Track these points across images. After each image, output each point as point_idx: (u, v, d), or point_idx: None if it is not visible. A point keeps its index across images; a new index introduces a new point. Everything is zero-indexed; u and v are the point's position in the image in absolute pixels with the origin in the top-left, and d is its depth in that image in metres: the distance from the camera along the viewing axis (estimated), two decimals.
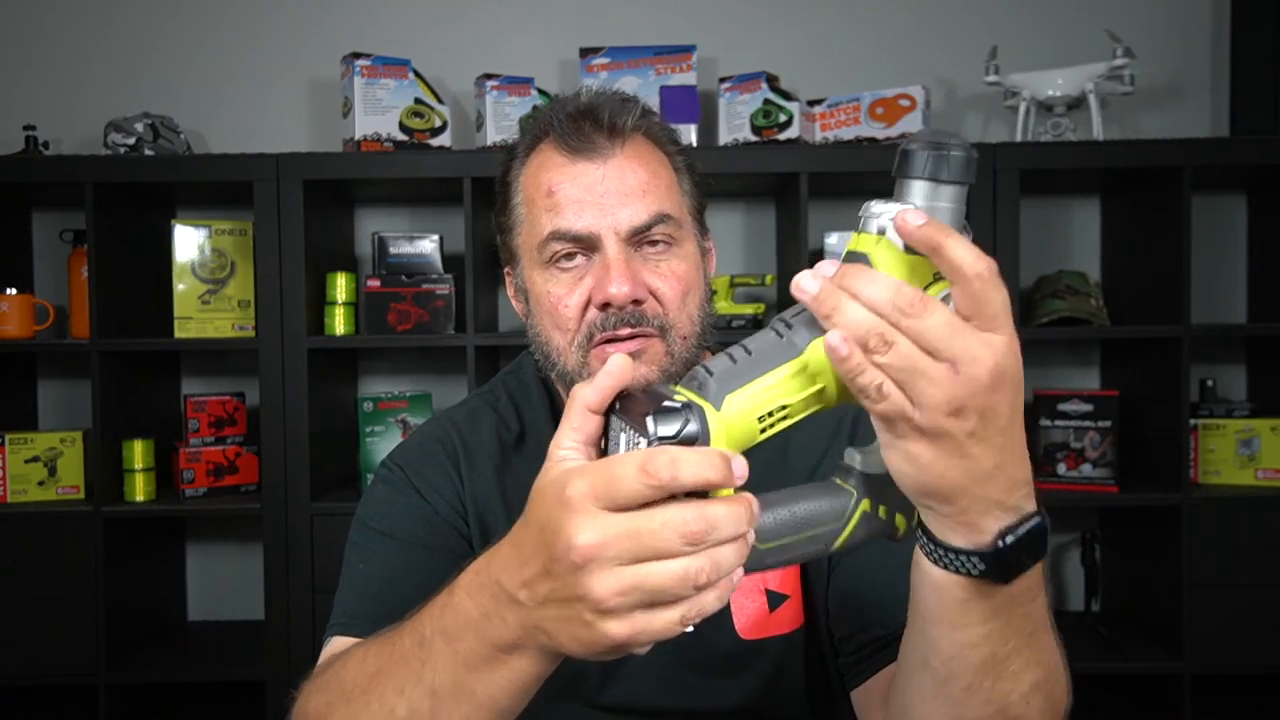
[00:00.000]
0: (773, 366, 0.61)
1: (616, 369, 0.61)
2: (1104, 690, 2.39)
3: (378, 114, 2.28)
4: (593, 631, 0.57)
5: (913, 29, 2.57)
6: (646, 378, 0.93)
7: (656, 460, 0.54)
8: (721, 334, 2.26)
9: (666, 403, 0.58)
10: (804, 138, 2.32)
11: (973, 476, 0.59)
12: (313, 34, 2.56)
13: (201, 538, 2.61)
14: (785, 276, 2.43)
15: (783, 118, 2.31)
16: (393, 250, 2.37)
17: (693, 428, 0.57)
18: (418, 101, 2.31)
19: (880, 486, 0.64)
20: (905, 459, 0.59)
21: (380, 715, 0.70)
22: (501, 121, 2.32)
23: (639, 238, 0.94)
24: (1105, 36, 2.35)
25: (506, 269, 1.04)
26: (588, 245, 0.94)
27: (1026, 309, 2.39)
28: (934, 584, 0.65)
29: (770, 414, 0.60)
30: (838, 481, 0.65)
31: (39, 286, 2.52)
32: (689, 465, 0.54)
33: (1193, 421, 2.32)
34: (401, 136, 2.29)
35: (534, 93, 2.34)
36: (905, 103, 2.31)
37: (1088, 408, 2.30)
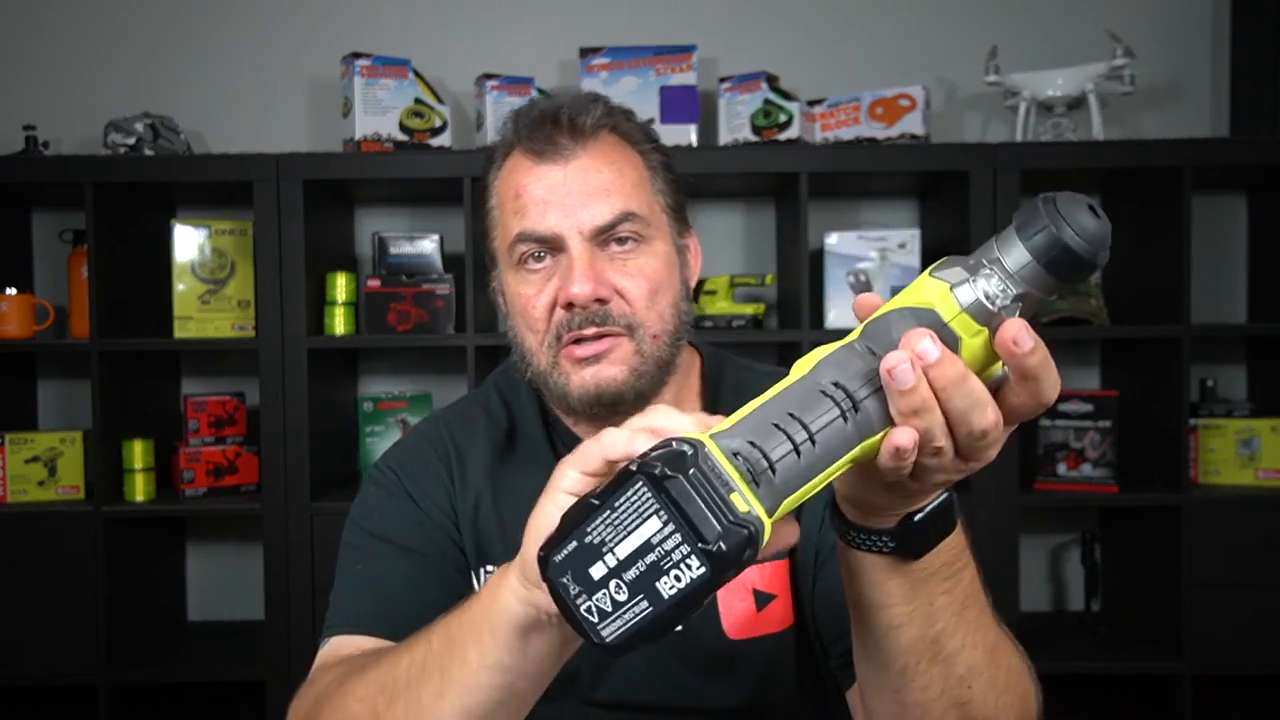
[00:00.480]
0: (836, 460, 0.55)
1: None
2: (1104, 690, 2.39)
3: (378, 114, 2.28)
4: None
5: (913, 29, 2.57)
6: (614, 377, 0.93)
7: (637, 445, 0.57)
8: (721, 334, 2.28)
9: (730, 519, 0.51)
10: (804, 138, 2.32)
11: (909, 501, 0.64)
12: (313, 34, 2.56)
13: (201, 538, 2.61)
14: (785, 277, 2.43)
15: (783, 118, 2.31)
16: (393, 250, 2.37)
17: (749, 553, 0.51)
18: (418, 101, 2.31)
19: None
20: (873, 494, 0.63)
21: (386, 673, 0.73)
22: (501, 122, 2.32)
23: (604, 236, 0.94)
24: (1105, 36, 2.35)
25: (491, 272, 1.04)
26: (554, 246, 0.95)
27: None
28: (853, 566, 0.69)
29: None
30: None
31: (39, 286, 2.52)
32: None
33: (1193, 421, 2.32)
34: (401, 136, 2.29)
35: (534, 93, 2.34)
36: (905, 103, 2.31)
37: (1088, 408, 2.30)
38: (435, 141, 2.31)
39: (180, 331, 2.31)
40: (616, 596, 0.54)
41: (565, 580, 0.54)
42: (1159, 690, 2.28)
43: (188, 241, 2.34)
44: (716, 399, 1.03)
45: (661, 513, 0.51)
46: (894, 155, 2.25)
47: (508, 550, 0.96)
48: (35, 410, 2.57)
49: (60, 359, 2.56)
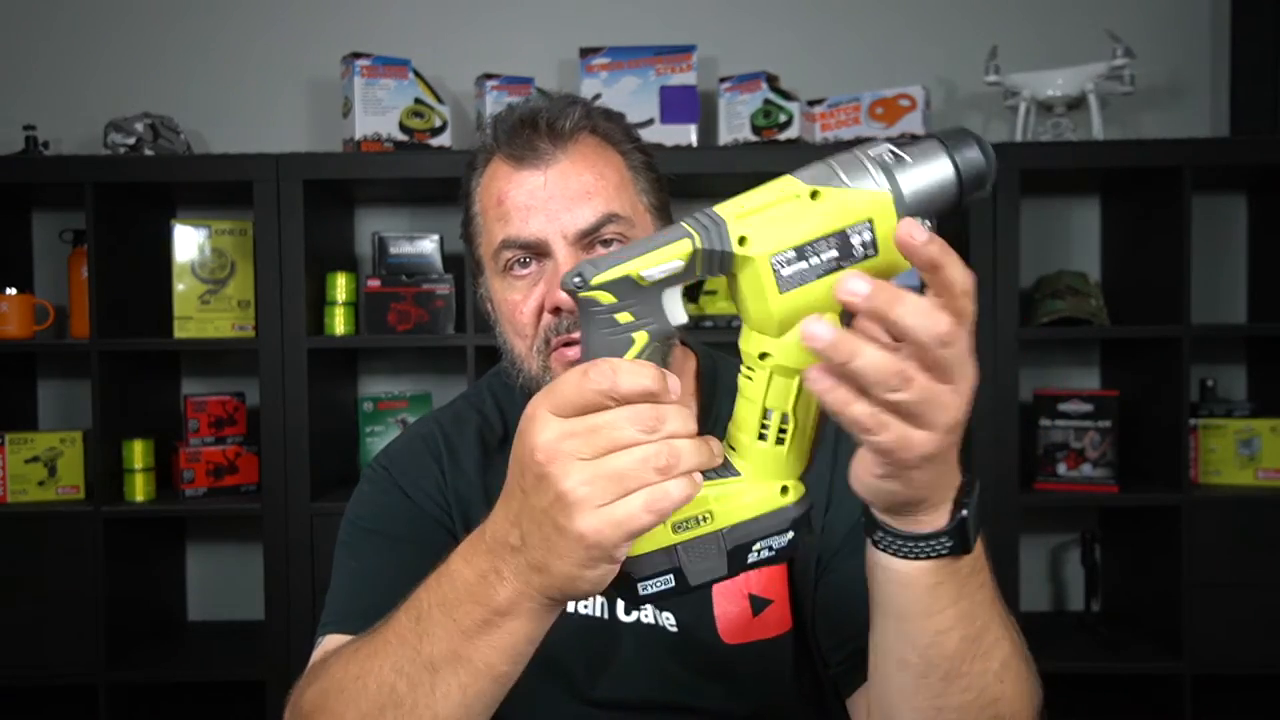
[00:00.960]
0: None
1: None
2: (1104, 690, 2.39)
3: (378, 114, 2.28)
4: (568, 539, 0.59)
5: (913, 29, 2.57)
6: None
7: (598, 367, 0.58)
8: (721, 334, 2.28)
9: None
10: (804, 138, 2.32)
11: (947, 479, 0.62)
12: (313, 34, 2.56)
13: (201, 538, 2.61)
14: None
15: (783, 118, 2.31)
16: (393, 250, 2.37)
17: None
18: (418, 101, 2.31)
19: None
20: (904, 484, 0.60)
21: (378, 696, 0.71)
22: (481, 127, 2.32)
23: (589, 239, 0.94)
24: (1105, 36, 2.35)
25: (478, 279, 1.04)
26: (539, 251, 0.95)
27: (1027, 309, 2.39)
28: (902, 579, 0.67)
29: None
30: None
31: (39, 286, 2.52)
32: (626, 373, 0.58)
33: (1193, 421, 2.32)
34: (401, 136, 2.29)
35: (534, 93, 2.34)
36: (905, 103, 2.31)
37: (1088, 408, 2.30)
38: (435, 141, 2.31)
39: (180, 331, 2.31)
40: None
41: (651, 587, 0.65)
42: (1159, 690, 2.28)
43: (188, 241, 2.34)
44: (712, 399, 1.03)
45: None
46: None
47: None
48: (35, 410, 2.57)
49: (60, 359, 2.56)
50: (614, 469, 0.58)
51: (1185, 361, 2.18)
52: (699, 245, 0.59)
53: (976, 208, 2.19)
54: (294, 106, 2.58)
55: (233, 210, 2.47)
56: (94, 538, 2.22)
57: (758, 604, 0.98)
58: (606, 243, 0.95)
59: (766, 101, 2.31)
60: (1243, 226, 2.55)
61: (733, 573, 0.62)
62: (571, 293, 0.61)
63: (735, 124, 2.33)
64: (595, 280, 0.60)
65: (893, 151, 0.58)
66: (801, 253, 0.58)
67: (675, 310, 0.62)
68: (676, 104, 2.31)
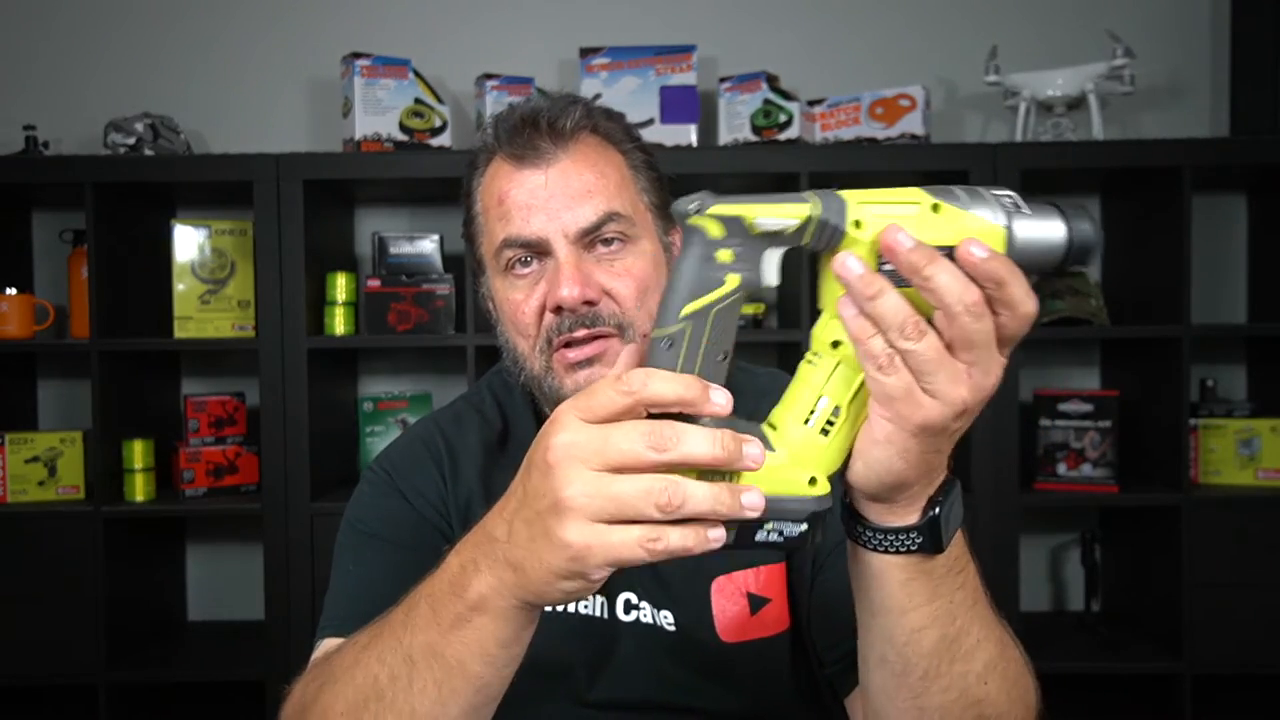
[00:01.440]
0: None
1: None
2: (1104, 690, 2.39)
3: (378, 114, 2.28)
4: (553, 545, 0.58)
5: (913, 29, 2.57)
6: None
7: (633, 375, 0.57)
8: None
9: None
10: (804, 138, 2.32)
11: (936, 469, 0.63)
12: (313, 34, 2.56)
13: (201, 538, 2.61)
14: (785, 277, 2.42)
15: (783, 118, 2.31)
16: (393, 250, 2.37)
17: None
18: (418, 101, 2.31)
19: None
20: (899, 453, 0.61)
21: (364, 684, 0.71)
22: (482, 127, 2.32)
23: (590, 238, 0.94)
24: (1105, 36, 2.35)
25: (479, 279, 1.04)
26: (540, 250, 0.95)
27: None
28: (875, 573, 0.68)
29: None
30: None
31: (39, 286, 2.52)
32: (659, 379, 0.57)
33: (1193, 421, 2.32)
34: (401, 136, 2.29)
35: (534, 93, 2.34)
36: (905, 103, 2.31)
37: (1088, 408, 2.30)
38: (435, 141, 2.31)
39: (180, 331, 2.31)
40: None
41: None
42: (1159, 690, 2.28)
43: (188, 241, 2.34)
44: None
45: None
46: (894, 155, 2.25)
47: None
48: (35, 410, 2.57)
49: (60, 359, 2.57)
50: (615, 492, 0.56)
51: (1185, 361, 2.18)
52: (817, 214, 0.60)
53: None
54: (294, 106, 2.58)
55: (233, 210, 2.47)
56: (94, 538, 2.22)
57: (756, 603, 0.98)
58: (607, 241, 0.95)
59: (766, 101, 2.31)
60: (1243, 226, 2.55)
61: (738, 545, 0.61)
62: (684, 216, 0.60)
63: (735, 124, 2.33)
64: (711, 209, 0.60)
65: (1014, 200, 0.61)
66: None
67: (771, 271, 0.62)
68: (676, 104, 2.31)
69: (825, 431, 0.62)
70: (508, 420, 1.07)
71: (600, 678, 0.98)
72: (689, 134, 2.32)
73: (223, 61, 2.57)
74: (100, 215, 2.23)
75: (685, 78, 2.34)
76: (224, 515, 2.52)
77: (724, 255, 0.60)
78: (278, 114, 2.57)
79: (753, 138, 2.32)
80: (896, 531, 0.65)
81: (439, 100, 2.33)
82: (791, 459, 0.62)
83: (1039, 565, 2.58)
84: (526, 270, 0.96)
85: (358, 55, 2.29)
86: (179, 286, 2.32)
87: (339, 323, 2.30)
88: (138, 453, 2.27)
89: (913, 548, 0.65)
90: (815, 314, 0.65)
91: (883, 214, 0.60)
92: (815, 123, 2.37)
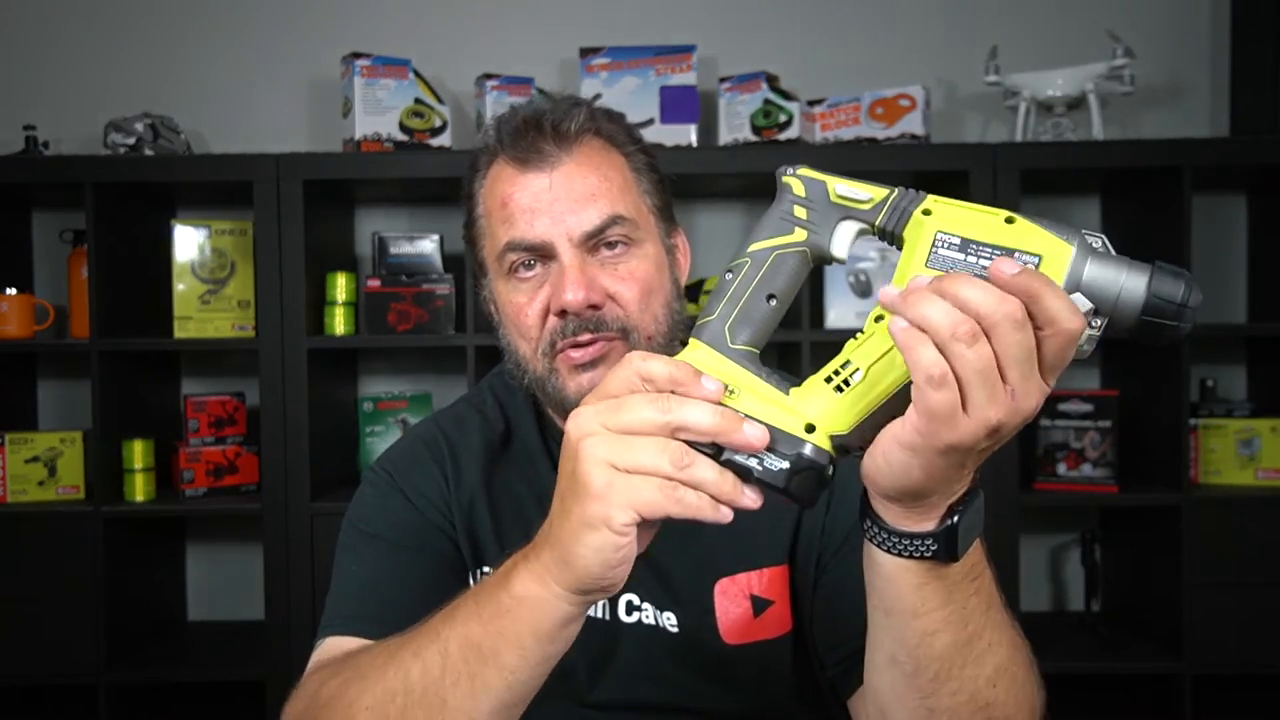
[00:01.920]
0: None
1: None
2: (1104, 690, 2.39)
3: (378, 114, 2.28)
4: (577, 493, 0.63)
5: (913, 29, 2.57)
6: None
7: (630, 356, 0.64)
8: None
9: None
10: (804, 138, 2.32)
11: (955, 484, 0.63)
12: (313, 34, 2.56)
13: (201, 538, 2.61)
14: None
15: (783, 118, 2.31)
16: (393, 250, 2.37)
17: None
18: (418, 101, 2.31)
19: None
20: (922, 465, 0.60)
21: (395, 680, 0.72)
22: (484, 128, 2.32)
23: (594, 241, 0.94)
24: (1105, 36, 2.35)
25: (481, 281, 1.04)
26: (544, 253, 0.95)
27: None
28: (888, 575, 0.68)
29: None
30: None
31: (39, 286, 2.52)
32: (654, 359, 0.63)
33: (1193, 421, 2.32)
34: (401, 136, 2.29)
35: (534, 93, 2.34)
36: (905, 103, 2.31)
37: (1088, 408, 2.30)
38: (435, 141, 2.31)
39: (180, 331, 2.31)
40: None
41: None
42: (1159, 690, 2.28)
43: (188, 241, 2.34)
44: None
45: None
46: (894, 155, 2.25)
47: (501, 551, 0.96)
48: (35, 410, 2.57)
49: (60, 359, 2.56)
50: (623, 422, 0.62)
51: (1185, 361, 2.18)
52: (894, 196, 0.64)
53: None
54: (294, 106, 2.58)
55: (233, 210, 2.47)
56: (94, 538, 2.22)
57: (759, 605, 0.99)
58: (611, 245, 0.95)
59: (766, 101, 2.31)
60: (1243, 226, 2.55)
61: (715, 455, 0.62)
62: (781, 173, 0.68)
63: (735, 124, 2.33)
64: (801, 170, 0.67)
65: (1105, 242, 0.61)
66: (965, 246, 0.61)
67: (841, 242, 0.66)
68: (676, 104, 2.31)
69: (840, 389, 0.62)
70: (509, 421, 1.06)
71: (601, 679, 0.98)
72: (689, 134, 2.32)
73: (223, 61, 2.57)
74: (100, 215, 2.23)
75: (685, 78, 2.34)
76: (224, 515, 2.51)
77: (799, 211, 0.66)
78: (278, 114, 2.57)
79: (753, 138, 2.32)
80: (911, 536, 0.65)
81: (439, 100, 2.33)
82: (797, 399, 0.63)
83: (1039, 565, 2.58)
84: (530, 273, 0.96)
85: (358, 55, 2.29)
86: (179, 286, 2.32)
87: (339, 323, 2.30)
88: (138, 453, 2.27)
89: (926, 554, 0.65)
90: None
91: (955, 211, 0.61)
92: (815, 123, 2.37)
